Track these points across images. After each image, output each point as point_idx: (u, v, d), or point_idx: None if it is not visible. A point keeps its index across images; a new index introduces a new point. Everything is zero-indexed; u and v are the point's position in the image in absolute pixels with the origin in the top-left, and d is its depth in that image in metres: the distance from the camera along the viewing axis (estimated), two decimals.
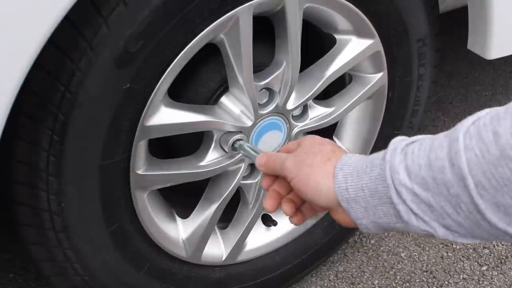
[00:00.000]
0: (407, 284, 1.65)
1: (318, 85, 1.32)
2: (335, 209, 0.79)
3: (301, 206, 0.88)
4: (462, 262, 1.70)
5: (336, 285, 1.65)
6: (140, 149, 1.17)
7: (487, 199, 0.61)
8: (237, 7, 1.11)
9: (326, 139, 0.86)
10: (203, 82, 1.27)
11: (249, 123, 1.26)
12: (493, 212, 0.62)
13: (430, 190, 0.66)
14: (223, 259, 1.42)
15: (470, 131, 0.63)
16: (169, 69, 1.10)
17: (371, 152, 1.00)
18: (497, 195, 0.60)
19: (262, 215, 1.46)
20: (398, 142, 0.73)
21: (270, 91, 1.28)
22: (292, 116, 1.34)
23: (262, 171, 0.91)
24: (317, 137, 0.88)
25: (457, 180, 0.63)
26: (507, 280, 1.65)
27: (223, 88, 1.26)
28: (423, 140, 0.70)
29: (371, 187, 0.73)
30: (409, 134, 1.54)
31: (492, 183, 0.60)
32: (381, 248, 1.75)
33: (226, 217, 1.40)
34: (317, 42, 1.38)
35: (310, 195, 0.79)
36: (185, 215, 1.36)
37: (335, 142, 1.53)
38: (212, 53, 1.22)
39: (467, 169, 0.62)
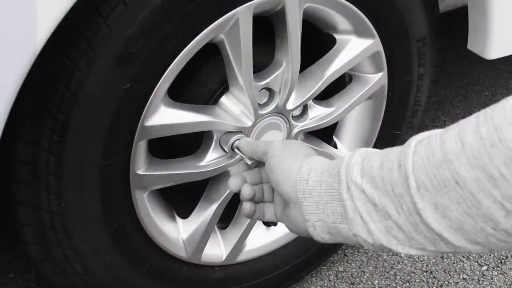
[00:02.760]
0: (407, 284, 1.65)
1: (318, 85, 1.32)
2: (292, 204, 0.81)
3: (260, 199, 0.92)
4: (462, 262, 1.70)
5: (336, 285, 1.64)
6: (140, 149, 1.17)
7: (428, 200, 0.64)
8: (237, 7, 1.11)
9: None
10: (203, 82, 1.27)
11: (249, 123, 1.26)
12: (431, 213, 0.64)
13: (377, 189, 0.69)
14: (223, 259, 1.42)
15: (424, 141, 0.66)
16: (169, 69, 1.10)
17: None
18: (437, 196, 0.62)
19: None
20: (363, 149, 0.77)
21: (270, 91, 1.28)
22: (292, 116, 1.34)
23: (242, 152, 0.95)
24: None
25: (402, 180, 0.66)
26: (507, 280, 1.65)
27: (223, 88, 1.26)
28: (384, 150, 0.74)
29: (328, 183, 0.76)
30: (409, 134, 1.54)
31: (433, 183, 0.63)
32: None
33: (226, 217, 1.40)
34: (317, 42, 1.38)
35: (280, 176, 0.82)
36: (185, 215, 1.36)
37: (335, 142, 1.53)
38: (212, 53, 1.22)
39: (411, 169, 0.65)
